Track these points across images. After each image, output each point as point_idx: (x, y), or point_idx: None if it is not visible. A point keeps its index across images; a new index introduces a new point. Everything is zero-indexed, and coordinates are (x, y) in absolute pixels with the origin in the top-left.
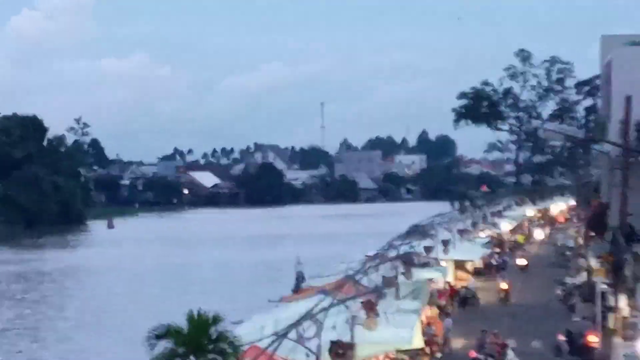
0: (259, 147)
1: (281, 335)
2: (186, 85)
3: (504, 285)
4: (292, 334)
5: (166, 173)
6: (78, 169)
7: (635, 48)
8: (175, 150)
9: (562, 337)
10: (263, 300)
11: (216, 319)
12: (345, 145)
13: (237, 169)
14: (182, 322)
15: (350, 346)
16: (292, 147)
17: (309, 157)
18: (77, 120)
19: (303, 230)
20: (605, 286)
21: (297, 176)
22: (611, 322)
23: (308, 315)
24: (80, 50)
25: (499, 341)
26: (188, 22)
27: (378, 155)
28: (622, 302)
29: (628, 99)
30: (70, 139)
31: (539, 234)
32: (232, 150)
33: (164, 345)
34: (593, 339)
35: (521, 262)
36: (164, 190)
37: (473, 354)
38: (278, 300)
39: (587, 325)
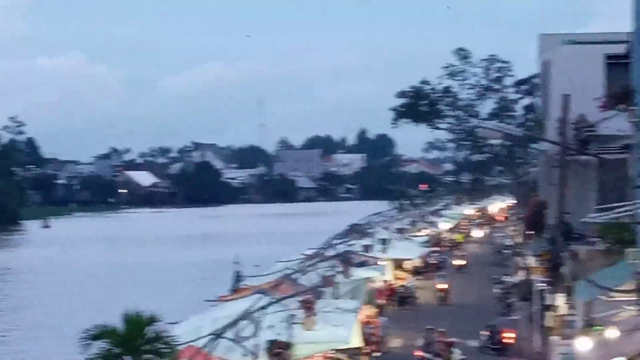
0: (197, 146)
1: (218, 335)
2: (124, 85)
3: (442, 285)
4: (229, 334)
5: (103, 172)
6: (13, 169)
7: (573, 47)
8: (112, 149)
9: (484, 333)
10: (200, 300)
11: (152, 319)
12: (284, 145)
13: (175, 168)
14: (118, 323)
15: (287, 345)
16: (231, 146)
17: (248, 156)
18: (12, 119)
19: (241, 230)
20: (543, 285)
21: (235, 175)
22: (549, 320)
23: (245, 315)
24: (14, 49)
25: (445, 340)
26: (125, 21)
27: (317, 154)
28: (560, 300)
29: (566, 98)
30: (5, 138)
31: (477, 233)
32: (170, 149)
33: (99, 346)
34: (509, 336)
35: (459, 262)
36: (101, 190)
37: (419, 353)
38: (215, 300)
39: (506, 322)
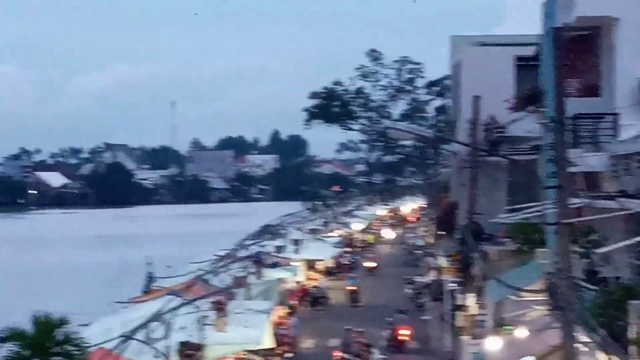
0: (109, 146)
1: (129, 337)
2: (33, 85)
3: (351, 287)
4: (140, 335)
5: (12, 173)
6: None
7: (483, 48)
8: (22, 149)
9: (386, 332)
10: (111, 302)
11: (62, 322)
12: (197, 145)
13: (86, 168)
14: (27, 325)
15: (199, 347)
16: (143, 147)
17: (160, 156)
18: None
19: (153, 231)
20: (454, 285)
21: (147, 176)
22: (459, 320)
23: (156, 316)
24: None
25: (364, 340)
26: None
27: (230, 155)
28: (470, 300)
29: (476, 99)
30: None
31: (389, 234)
32: (81, 150)
33: (8, 348)
34: (404, 333)
35: (369, 264)
36: (9, 190)
37: (338, 353)
38: (126, 301)
39: (402, 319)
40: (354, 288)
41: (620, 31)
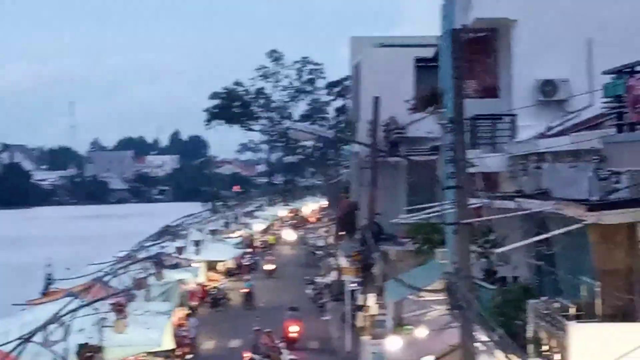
0: (5, 147)
1: (26, 339)
2: None
3: (245, 289)
4: (38, 338)
5: None
6: None
7: (383, 50)
8: None
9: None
10: (8, 304)
11: None
12: (96, 146)
13: None
14: None
15: (98, 349)
16: (41, 147)
17: (59, 157)
18: None
19: (52, 232)
20: (354, 285)
21: (46, 177)
22: (360, 320)
23: (55, 318)
24: None
25: (273, 342)
26: None
27: (130, 156)
28: (371, 300)
29: (376, 100)
30: None
31: (290, 234)
32: None
33: None
34: (293, 329)
35: (268, 267)
36: None
37: (248, 354)
38: (24, 303)
39: (291, 315)
40: (247, 290)
41: (518, 33)
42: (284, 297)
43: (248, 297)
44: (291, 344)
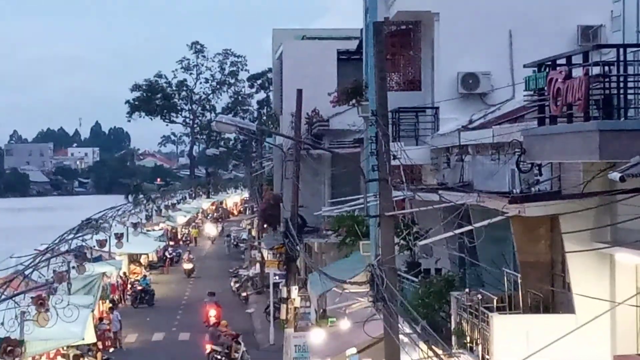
0: None
1: None
2: None
3: (188, 266)
4: None
5: None
6: None
7: (305, 42)
8: None
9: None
10: None
11: None
12: (15, 138)
13: None
14: None
15: (19, 343)
16: None
17: None
18: None
19: None
20: (278, 278)
21: None
22: (283, 313)
23: None
24: None
25: (230, 332)
26: None
27: (50, 148)
28: (294, 293)
29: (299, 92)
30: None
31: (213, 227)
32: None
33: None
34: (212, 313)
35: (187, 265)
36: None
37: (209, 345)
38: None
39: (210, 300)
40: (142, 288)
41: (440, 26)
42: (209, 289)
43: (143, 294)
44: (211, 326)
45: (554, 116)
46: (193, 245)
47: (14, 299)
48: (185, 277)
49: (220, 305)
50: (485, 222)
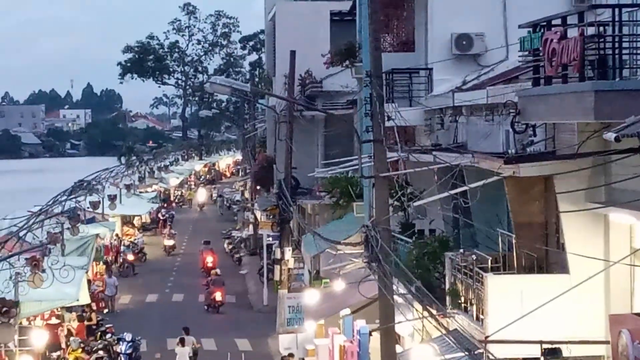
0: None
1: None
2: None
3: (169, 242)
4: None
5: None
6: None
7: (297, 3)
8: None
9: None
10: None
11: None
12: (7, 99)
13: None
14: None
15: (14, 304)
16: None
17: None
18: None
19: None
20: (271, 239)
21: None
22: (277, 274)
23: None
24: None
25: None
26: None
27: (41, 110)
28: (288, 254)
29: (292, 54)
30: None
31: (204, 192)
32: None
33: None
34: (209, 259)
35: (168, 242)
36: None
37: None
38: None
39: (206, 248)
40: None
41: None
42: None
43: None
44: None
45: (549, 77)
46: (187, 207)
47: (8, 260)
48: (165, 254)
49: (215, 253)
50: (480, 183)
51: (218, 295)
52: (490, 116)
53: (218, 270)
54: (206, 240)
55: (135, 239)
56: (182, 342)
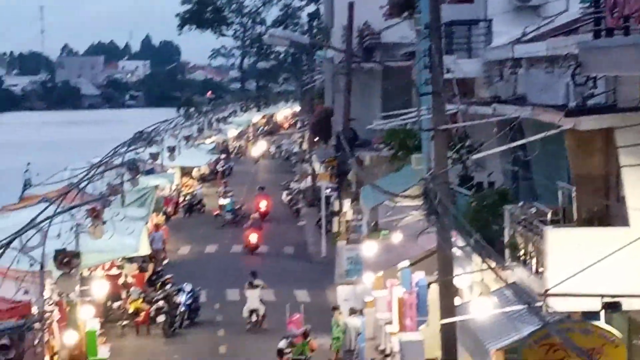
0: None
1: (3, 245)
2: None
3: (224, 201)
4: (15, 244)
5: None
6: None
7: None
8: None
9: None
10: None
11: None
12: (67, 51)
13: None
14: None
15: (75, 255)
16: (11, 52)
17: (29, 62)
18: None
19: (26, 138)
20: (329, 191)
21: (16, 82)
22: (335, 226)
23: (31, 224)
24: None
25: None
26: None
27: (101, 61)
28: (346, 206)
29: (350, 5)
30: None
31: (262, 144)
32: None
33: None
34: (263, 204)
35: (223, 201)
36: None
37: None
38: None
39: (261, 192)
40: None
41: None
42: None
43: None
44: (263, 216)
45: (610, 28)
46: (245, 158)
47: (69, 211)
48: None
49: (269, 197)
50: (539, 136)
51: (252, 237)
52: (550, 68)
53: (257, 215)
54: (261, 186)
55: (194, 190)
56: (251, 285)
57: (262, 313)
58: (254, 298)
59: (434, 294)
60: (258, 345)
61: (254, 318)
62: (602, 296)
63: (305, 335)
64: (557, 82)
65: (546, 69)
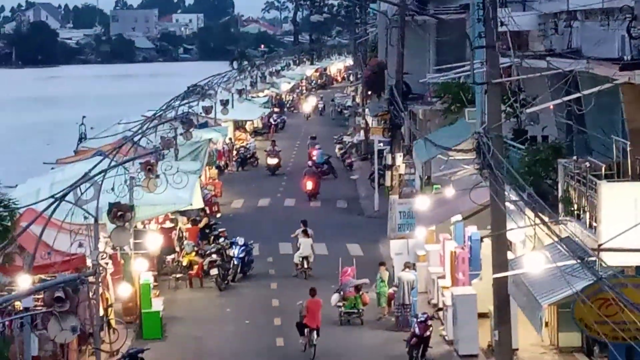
0: (30, 4)
1: (58, 198)
2: None
3: (272, 161)
4: (70, 197)
5: None
6: None
7: None
8: None
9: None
10: (39, 163)
11: None
12: (121, 4)
13: (8, 27)
14: None
15: (129, 208)
16: (66, 5)
17: (83, 15)
18: None
19: (80, 91)
20: (382, 144)
21: (71, 35)
22: (388, 179)
23: (86, 177)
24: None
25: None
26: None
27: (154, 14)
28: (399, 160)
29: None
30: None
31: (313, 100)
32: (2, 8)
33: None
34: (309, 185)
35: (271, 160)
36: None
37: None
38: (54, 162)
39: (313, 143)
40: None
41: None
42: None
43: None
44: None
45: None
46: (297, 112)
47: (123, 165)
48: (269, 174)
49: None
50: (594, 89)
51: (308, 184)
52: (605, 21)
53: (310, 162)
54: (312, 136)
55: (247, 144)
56: (305, 233)
57: (312, 260)
58: (306, 245)
59: (486, 249)
60: None
61: (305, 265)
62: None
63: (357, 289)
64: (613, 35)
65: (601, 21)
